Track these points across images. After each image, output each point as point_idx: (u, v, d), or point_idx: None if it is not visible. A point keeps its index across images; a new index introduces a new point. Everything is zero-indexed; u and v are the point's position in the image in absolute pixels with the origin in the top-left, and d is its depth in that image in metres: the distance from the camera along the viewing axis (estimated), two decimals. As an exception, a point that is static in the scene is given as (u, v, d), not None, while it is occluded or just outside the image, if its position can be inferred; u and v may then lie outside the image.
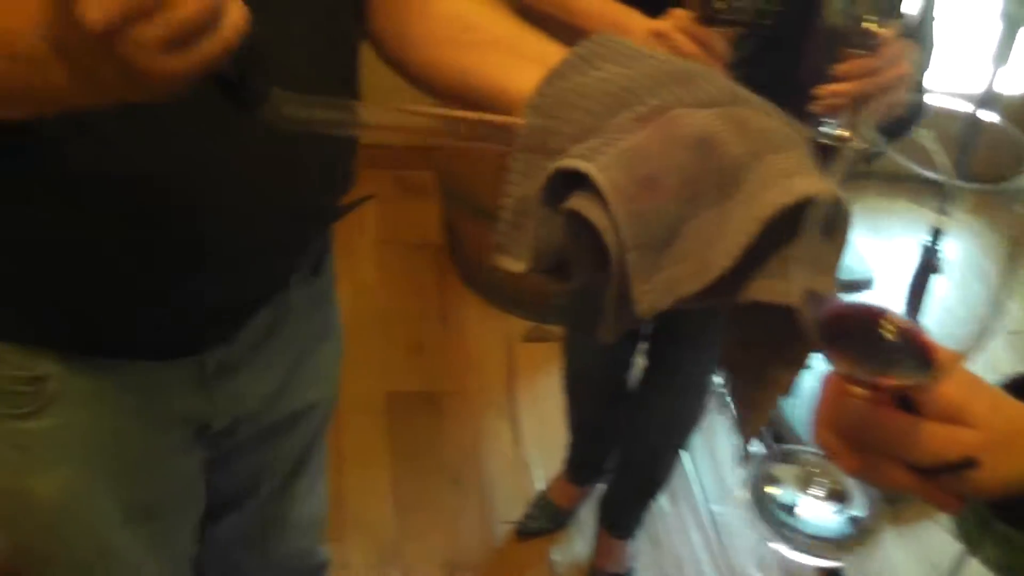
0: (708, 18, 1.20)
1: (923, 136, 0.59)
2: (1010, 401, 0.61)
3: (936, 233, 0.58)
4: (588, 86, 0.73)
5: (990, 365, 1.03)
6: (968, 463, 0.58)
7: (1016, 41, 1.93)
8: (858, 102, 1.24)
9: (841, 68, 1.25)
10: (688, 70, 0.73)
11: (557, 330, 2.44)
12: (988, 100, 1.93)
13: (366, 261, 2.84)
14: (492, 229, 0.77)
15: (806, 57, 1.34)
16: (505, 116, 0.75)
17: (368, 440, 2.39)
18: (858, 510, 1.39)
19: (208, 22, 0.60)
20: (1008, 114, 0.60)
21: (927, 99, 0.63)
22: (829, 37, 1.23)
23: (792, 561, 1.99)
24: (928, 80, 1.41)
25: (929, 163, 0.56)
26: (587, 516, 2.27)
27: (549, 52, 0.80)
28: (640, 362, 1.97)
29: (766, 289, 0.69)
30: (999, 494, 0.59)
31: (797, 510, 1.41)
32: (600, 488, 2.21)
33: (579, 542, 2.26)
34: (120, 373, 1.01)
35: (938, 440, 0.58)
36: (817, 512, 1.40)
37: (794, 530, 1.40)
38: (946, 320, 0.58)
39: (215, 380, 1.07)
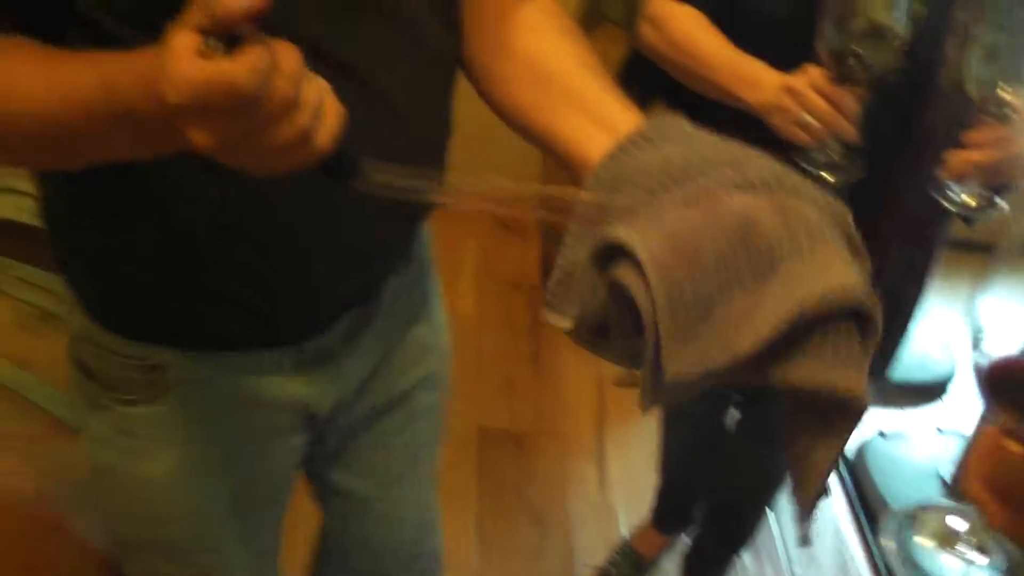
0: (842, 77, 1.19)
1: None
2: None
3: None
4: (647, 164, 0.77)
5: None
6: None
7: None
8: (987, 171, 1.22)
9: (973, 136, 1.22)
10: (741, 153, 0.77)
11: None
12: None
13: (463, 297, 2.87)
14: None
15: (927, 117, 1.33)
16: (571, 190, 0.80)
17: (457, 473, 2.40)
18: (1001, 567, 1.36)
19: (304, 139, 0.67)
20: None
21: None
22: (959, 101, 1.21)
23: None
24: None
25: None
26: (669, 567, 2.25)
27: (621, 119, 0.86)
28: (735, 414, 1.95)
29: (799, 373, 0.72)
30: None
31: (940, 563, 1.38)
32: (684, 539, 2.19)
33: (660, 592, 2.24)
34: (226, 361, 1.06)
35: None
36: (961, 566, 1.37)
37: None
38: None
39: (313, 365, 1.11)
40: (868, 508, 2.24)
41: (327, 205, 0.92)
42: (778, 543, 2.36)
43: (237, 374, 1.08)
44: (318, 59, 0.70)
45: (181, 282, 0.97)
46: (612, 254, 0.73)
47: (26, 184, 1.64)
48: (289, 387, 1.11)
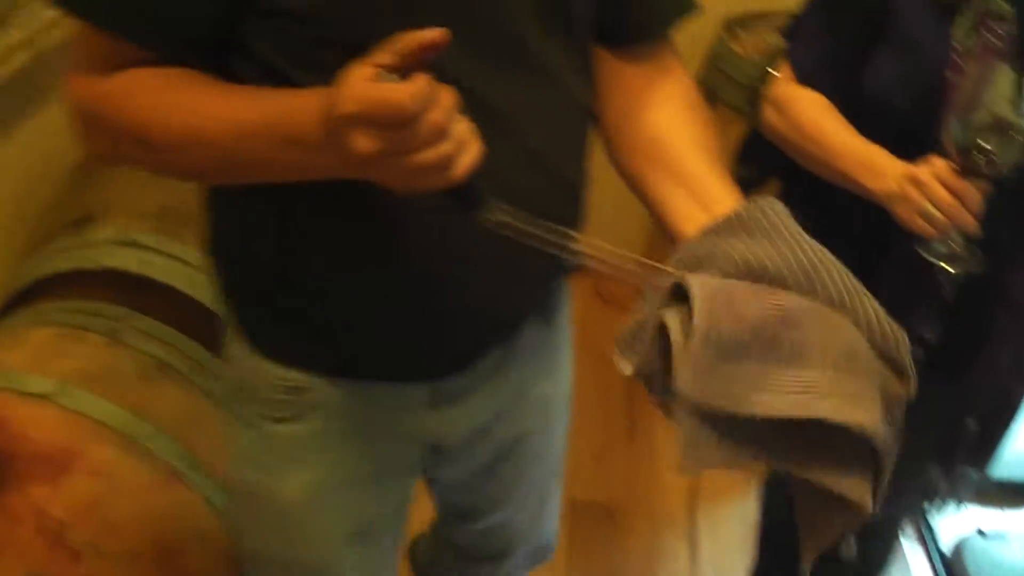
0: (968, 170, 1.19)
1: None
2: None
3: None
4: (731, 250, 0.84)
5: None
6: None
7: None
8: None
9: None
10: (819, 260, 0.83)
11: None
12: None
13: (560, 367, 2.88)
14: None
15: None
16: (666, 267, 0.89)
17: (549, 543, 2.40)
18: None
19: (444, 165, 0.76)
20: None
21: None
22: None
23: None
24: None
25: None
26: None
27: (721, 200, 0.94)
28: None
29: (818, 473, 0.81)
30: None
31: None
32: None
33: (750, 677, 2.19)
34: (366, 389, 1.12)
35: None
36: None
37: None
38: None
39: (446, 404, 1.17)
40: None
41: (479, 253, 0.98)
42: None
43: (377, 404, 1.14)
44: (471, 104, 0.79)
45: (342, 315, 1.04)
46: (672, 303, 0.83)
47: (147, 238, 1.72)
48: (423, 421, 1.17)
